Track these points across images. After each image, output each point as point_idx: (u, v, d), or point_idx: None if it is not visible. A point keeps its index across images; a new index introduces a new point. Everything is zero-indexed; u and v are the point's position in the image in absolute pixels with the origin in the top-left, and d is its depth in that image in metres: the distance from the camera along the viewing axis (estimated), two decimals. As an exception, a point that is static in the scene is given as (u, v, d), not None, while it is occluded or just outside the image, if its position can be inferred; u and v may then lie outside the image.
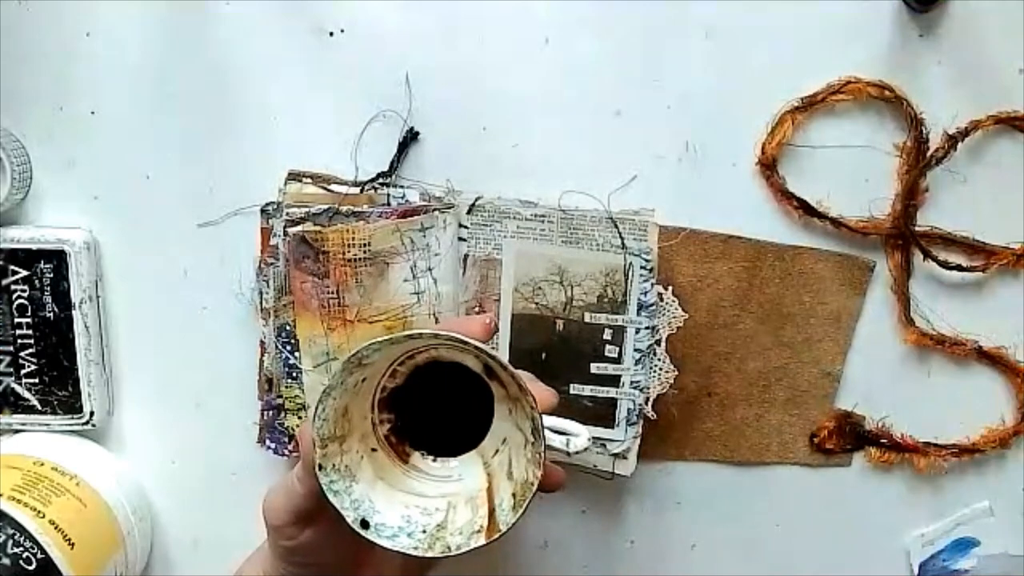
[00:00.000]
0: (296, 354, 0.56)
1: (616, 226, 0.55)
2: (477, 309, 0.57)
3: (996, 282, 0.58)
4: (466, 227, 0.56)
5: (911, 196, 0.56)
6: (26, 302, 0.57)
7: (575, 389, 0.56)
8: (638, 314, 0.55)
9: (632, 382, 0.56)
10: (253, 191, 0.56)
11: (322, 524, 0.46)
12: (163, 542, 0.61)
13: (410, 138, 0.56)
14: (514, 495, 0.42)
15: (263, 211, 0.56)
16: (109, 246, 0.58)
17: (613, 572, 0.61)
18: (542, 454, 0.41)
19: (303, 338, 0.56)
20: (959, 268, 0.57)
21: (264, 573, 0.49)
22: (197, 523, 0.61)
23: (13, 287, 0.57)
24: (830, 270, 0.58)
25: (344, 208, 0.55)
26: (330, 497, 0.42)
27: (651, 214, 0.55)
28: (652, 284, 0.55)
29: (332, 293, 0.55)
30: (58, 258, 0.56)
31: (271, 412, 0.58)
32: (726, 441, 0.60)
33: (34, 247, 0.56)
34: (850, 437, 0.59)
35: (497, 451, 0.45)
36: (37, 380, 0.58)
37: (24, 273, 0.56)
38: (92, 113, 0.57)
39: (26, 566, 0.51)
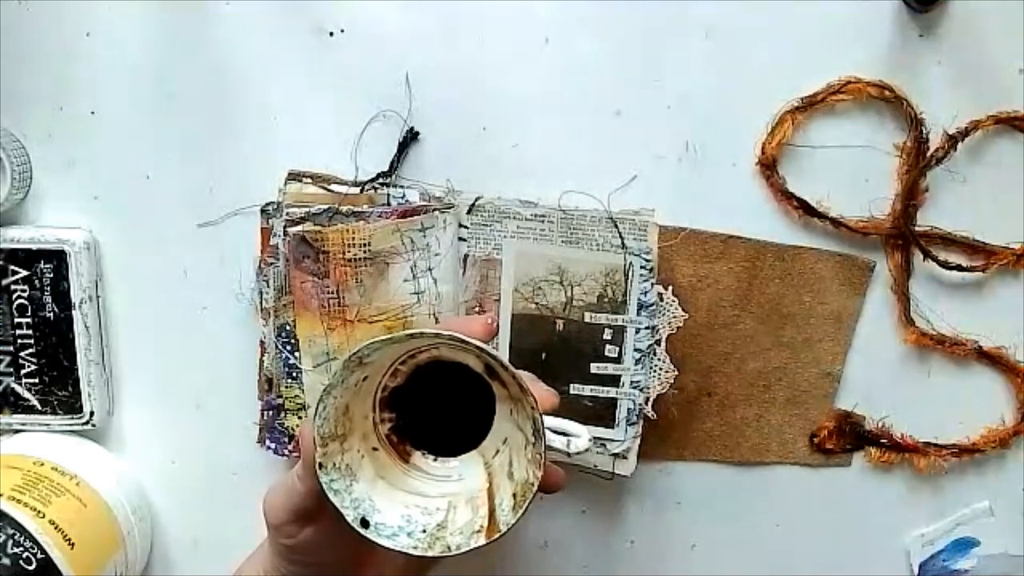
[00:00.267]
0: (296, 354, 0.56)
1: (616, 226, 0.55)
2: (477, 309, 0.57)
3: (996, 282, 0.58)
4: (466, 227, 0.56)
5: (911, 196, 0.56)
6: (26, 302, 0.57)
7: (575, 389, 0.56)
8: (638, 314, 0.55)
9: (632, 382, 0.56)
10: (253, 191, 0.56)
11: (322, 523, 0.46)
12: (163, 542, 0.61)
13: (410, 138, 0.56)
14: (514, 495, 0.42)
15: (263, 211, 0.56)
16: (109, 246, 0.58)
17: (613, 572, 0.61)
18: (543, 455, 0.41)
19: (303, 338, 0.56)
20: (959, 268, 0.57)
21: (264, 572, 0.49)
22: (197, 523, 0.61)
23: (13, 287, 0.57)
24: (830, 270, 0.58)
25: (344, 208, 0.55)
26: (330, 496, 0.42)
27: (651, 214, 0.55)
28: (652, 284, 0.55)
29: (332, 293, 0.55)
30: (58, 258, 0.56)
31: (271, 412, 0.58)
32: (726, 441, 0.60)
33: (34, 247, 0.56)
34: (850, 437, 0.59)
35: (498, 451, 0.45)
36: (37, 380, 0.58)
37: (24, 273, 0.56)
38: (92, 113, 0.57)
39: (26, 566, 0.51)
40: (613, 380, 0.56)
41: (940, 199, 0.57)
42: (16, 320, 0.57)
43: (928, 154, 0.56)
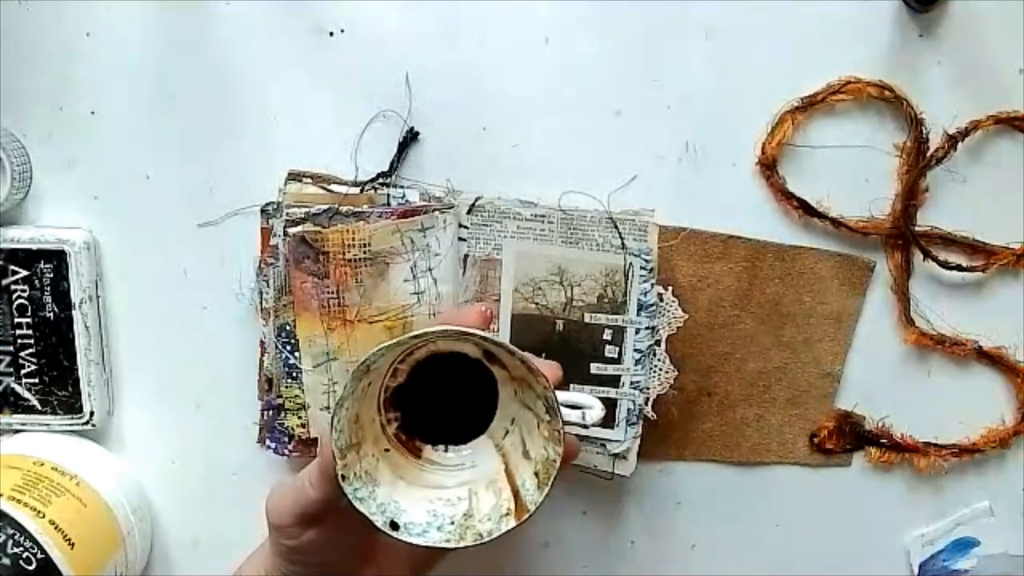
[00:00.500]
0: (296, 354, 0.56)
1: (616, 226, 0.55)
2: (477, 309, 0.57)
3: (996, 282, 0.58)
4: (466, 227, 0.56)
5: (911, 196, 0.56)
6: (26, 302, 0.57)
7: (575, 389, 0.56)
8: (638, 314, 0.55)
9: (632, 382, 0.56)
10: (253, 191, 0.56)
11: (325, 524, 0.46)
12: (163, 542, 0.61)
13: (410, 138, 0.56)
14: (536, 474, 0.42)
15: (263, 211, 0.56)
16: (109, 246, 0.58)
17: (613, 572, 0.61)
18: (560, 431, 0.41)
19: (303, 338, 0.56)
20: (959, 268, 0.57)
21: (265, 572, 0.49)
22: (197, 523, 0.61)
23: (13, 287, 0.57)
24: (830, 270, 0.58)
25: (344, 208, 0.55)
26: (357, 506, 0.42)
27: (651, 214, 0.55)
28: (652, 284, 0.55)
29: (332, 293, 0.55)
30: (58, 258, 0.56)
31: (271, 412, 0.58)
32: (726, 441, 0.60)
33: (34, 247, 0.56)
34: (850, 437, 0.59)
35: (507, 432, 0.46)
36: (37, 380, 0.58)
37: (24, 273, 0.56)
38: (92, 113, 0.57)
39: (26, 566, 0.51)
40: (613, 380, 0.56)
41: (940, 199, 0.57)
42: (16, 320, 0.57)
43: (928, 154, 0.56)
